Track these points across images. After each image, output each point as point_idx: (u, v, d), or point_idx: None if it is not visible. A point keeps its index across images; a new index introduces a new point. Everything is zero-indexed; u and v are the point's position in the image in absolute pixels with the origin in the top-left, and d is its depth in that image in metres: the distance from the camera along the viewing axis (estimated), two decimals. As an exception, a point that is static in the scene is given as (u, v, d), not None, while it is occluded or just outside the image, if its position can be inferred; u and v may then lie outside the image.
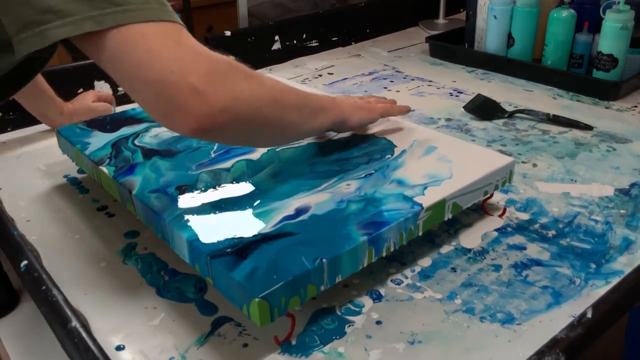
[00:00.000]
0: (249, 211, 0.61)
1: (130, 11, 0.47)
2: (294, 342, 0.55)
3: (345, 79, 1.27)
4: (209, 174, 0.69)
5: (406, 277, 0.63)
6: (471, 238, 0.70)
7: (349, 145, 0.74)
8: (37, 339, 0.58)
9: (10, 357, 0.56)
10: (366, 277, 0.63)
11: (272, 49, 1.38)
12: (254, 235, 0.56)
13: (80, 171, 0.88)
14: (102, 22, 0.47)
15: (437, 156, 0.71)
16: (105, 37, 0.47)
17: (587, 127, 0.98)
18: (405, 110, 0.80)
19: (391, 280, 0.63)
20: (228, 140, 0.62)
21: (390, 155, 0.71)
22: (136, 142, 0.78)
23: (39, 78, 0.94)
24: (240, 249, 0.54)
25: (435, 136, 0.77)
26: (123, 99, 1.15)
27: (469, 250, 0.68)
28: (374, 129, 0.79)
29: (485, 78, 1.25)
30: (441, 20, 1.67)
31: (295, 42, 1.42)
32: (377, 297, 0.60)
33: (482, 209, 0.75)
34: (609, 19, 1.08)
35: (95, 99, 1.02)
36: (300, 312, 0.58)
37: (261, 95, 0.54)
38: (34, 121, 1.03)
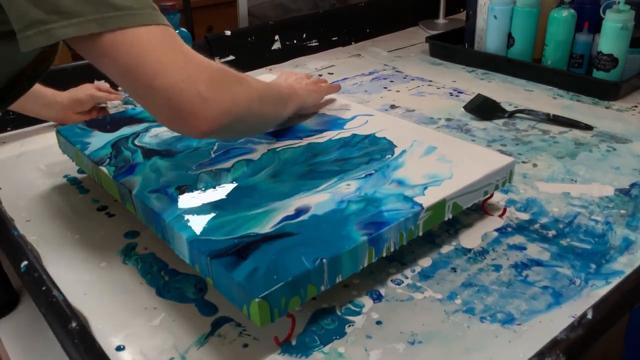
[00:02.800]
0: (249, 211, 0.61)
1: (131, 15, 0.51)
2: (294, 343, 0.55)
3: (345, 78, 1.27)
4: (209, 174, 0.69)
5: (406, 277, 0.63)
6: (471, 238, 0.70)
7: (349, 145, 0.74)
8: (37, 339, 0.58)
9: (10, 357, 0.56)
10: (366, 277, 0.63)
11: (272, 48, 1.38)
12: (254, 236, 0.56)
13: (80, 171, 0.88)
14: (105, 24, 0.50)
15: (437, 156, 0.71)
16: (108, 39, 0.50)
17: (587, 127, 0.98)
18: (339, 88, 0.91)
19: (391, 280, 0.63)
20: (228, 137, 0.73)
21: (390, 155, 0.71)
22: (136, 142, 0.78)
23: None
24: (240, 249, 0.54)
25: (435, 136, 0.77)
26: (123, 99, 1.15)
27: (469, 250, 0.68)
28: (374, 129, 0.79)
29: (485, 78, 1.25)
30: (441, 20, 1.67)
31: (295, 41, 1.42)
32: (377, 297, 0.60)
33: (482, 209, 0.75)
34: (609, 19, 1.08)
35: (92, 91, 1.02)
36: (300, 313, 0.58)
37: (252, 96, 0.60)
38: (34, 121, 1.03)
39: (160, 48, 0.52)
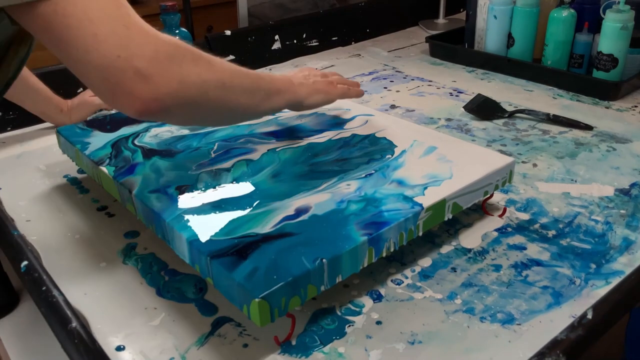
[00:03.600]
0: (249, 211, 0.61)
1: None
2: (294, 343, 0.55)
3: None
4: (209, 174, 0.69)
5: (406, 277, 0.63)
6: (471, 238, 0.70)
7: (349, 145, 0.74)
8: (37, 339, 0.58)
9: (10, 357, 0.56)
10: (366, 277, 0.63)
11: (272, 48, 1.38)
12: (254, 236, 0.56)
13: (80, 171, 0.88)
14: None
15: (437, 156, 0.71)
16: (44, 7, 0.46)
17: (587, 127, 0.98)
18: (361, 94, 0.82)
19: (391, 280, 0.63)
20: (175, 122, 0.63)
21: (390, 155, 0.71)
22: (136, 142, 0.78)
23: (32, 78, 0.95)
24: (240, 249, 0.54)
25: (435, 136, 0.77)
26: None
27: (469, 250, 0.68)
28: (374, 129, 0.79)
29: (485, 78, 1.25)
30: (441, 20, 1.67)
31: (295, 41, 1.42)
32: (377, 297, 0.60)
33: (482, 209, 0.75)
34: (609, 19, 1.08)
35: (93, 93, 1.02)
36: (300, 313, 0.58)
37: (208, 79, 0.54)
38: (34, 121, 1.03)
39: (97, 19, 0.47)
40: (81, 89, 1.08)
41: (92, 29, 0.47)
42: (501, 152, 0.86)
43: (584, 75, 1.18)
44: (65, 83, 1.05)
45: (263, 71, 1.31)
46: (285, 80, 0.70)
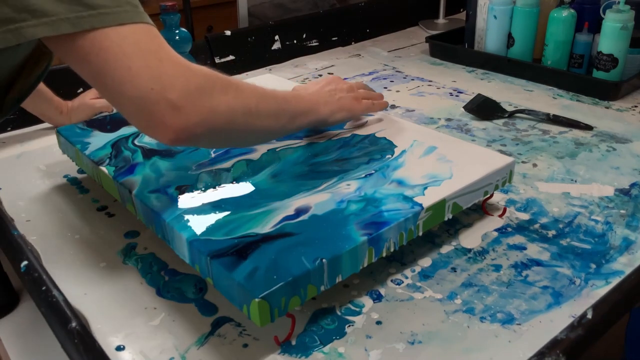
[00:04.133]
0: (249, 211, 0.61)
1: (105, 14, 0.48)
2: (294, 343, 0.55)
3: (345, 79, 1.26)
4: (209, 174, 0.69)
5: (406, 277, 0.63)
6: (471, 238, 0.70)
7: (349, 145, 0.74)
8: (37, 339, 0.58)
9: (10, 357, 0.56)
10: (366, 277, 0.63)
11: (272, 48, 1.38)
12: (254, 236, 0.56)
13: (80, 171, 0.88)
14: (77, 24, 0.48)
15: (437, 156, 0.71)
16: (81, 40, 0.48)
17: (587, 127, 0.98)
18: (385, 106, 0.83)
19: (391, 280, 0.63)
20: (203, 146, 0.68)
21: (390, 155, 0.71)
22: (136, 142, 0.78)
23: None
24: (240, 249, 0.54)
25: (435, 136, 0.77)
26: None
27: (469, 250, 0.68)
28: (374, 129, 0.79)
29: (485, 78, 1.25)
30: (441, 20, 1.67)
31: (295, 42, 1.42)
32: (377, 297, 0.60)
33: (482, 209, 0.75)
34: (609, 19, 1.08)
35: (94, 96, 1.02)
36: (300, 312, 0.58)
37: (236, 107, 0.56)
38: (34, 121, 1.03)
39: (132, 52, 0.49)
40: (81, 89, 1.08)
41: (127, 62, 0.48)
42: (501, 152, 0.86)
43: (584, 75, 1.18)
44: (65, 83, 1.05)
45: (263, 71, 1.32)
46: (310, 100, 0.71)
